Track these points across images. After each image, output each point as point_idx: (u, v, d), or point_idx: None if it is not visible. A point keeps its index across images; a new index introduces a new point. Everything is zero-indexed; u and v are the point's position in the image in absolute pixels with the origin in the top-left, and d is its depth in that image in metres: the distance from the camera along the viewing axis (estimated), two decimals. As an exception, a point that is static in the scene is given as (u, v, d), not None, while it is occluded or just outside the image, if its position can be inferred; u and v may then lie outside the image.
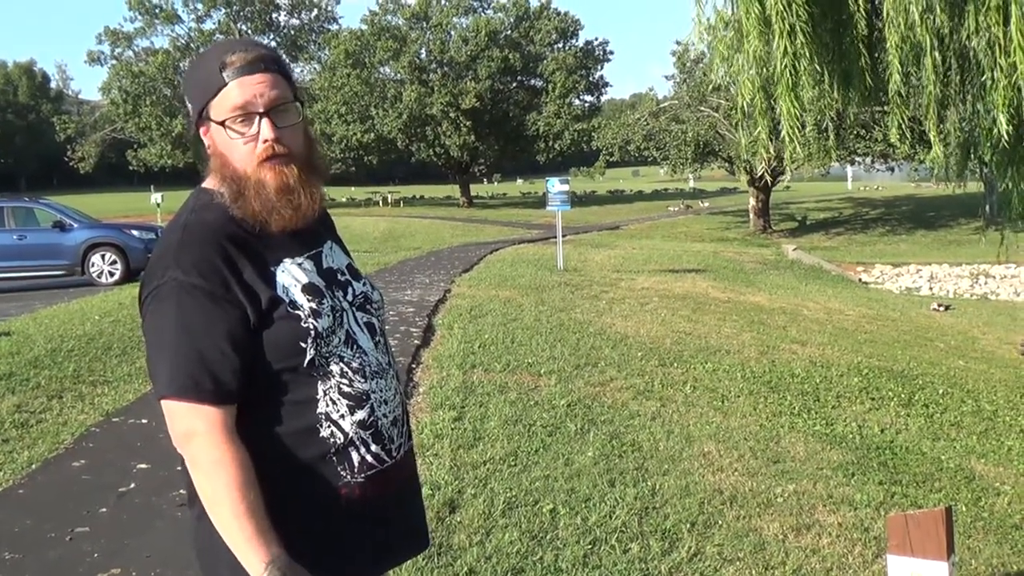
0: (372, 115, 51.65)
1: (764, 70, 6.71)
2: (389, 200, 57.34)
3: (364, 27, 53.18)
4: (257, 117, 1.82)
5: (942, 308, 18.24)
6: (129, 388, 7.68)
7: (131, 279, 17.33)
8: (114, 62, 56.90)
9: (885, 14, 6.20)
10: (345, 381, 1.87)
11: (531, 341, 9.23)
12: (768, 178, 36.39)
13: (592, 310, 11.78)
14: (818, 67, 6.45)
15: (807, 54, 6.32)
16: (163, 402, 1.75)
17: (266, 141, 1.82)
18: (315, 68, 59.78)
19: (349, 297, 1.97)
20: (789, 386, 7.94)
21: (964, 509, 5.18)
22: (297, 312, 1.82)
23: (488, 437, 5.98)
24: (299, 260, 1.90)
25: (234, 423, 1.76)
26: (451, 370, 7.89)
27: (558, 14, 54.96)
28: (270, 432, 1.82)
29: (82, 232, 17.97)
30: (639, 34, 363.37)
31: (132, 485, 5.36)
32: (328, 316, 1.86)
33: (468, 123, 50.87)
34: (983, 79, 6.05)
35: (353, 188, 63.95)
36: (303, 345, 1.81)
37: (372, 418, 1.89)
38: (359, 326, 1.96)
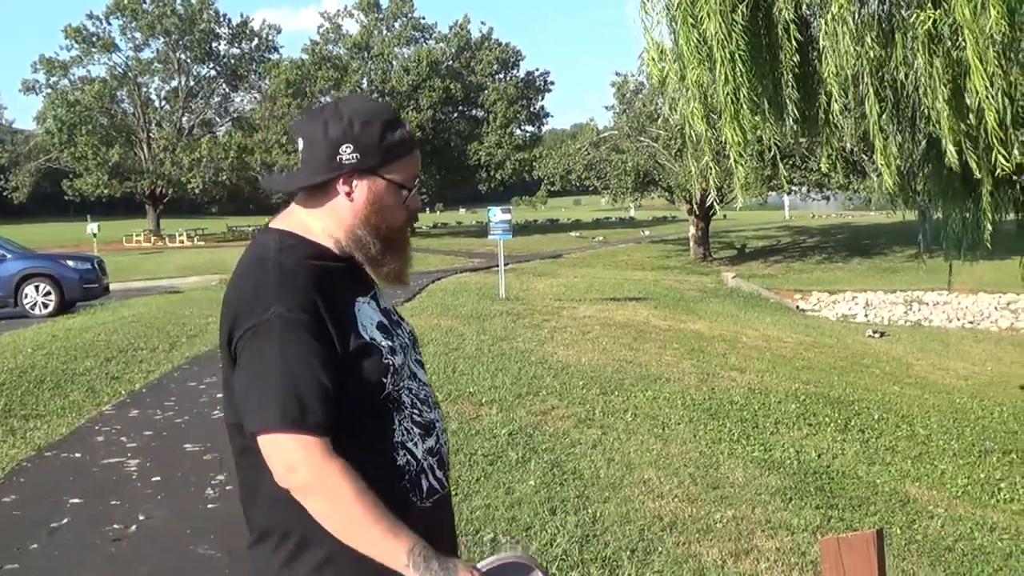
0: (313, 145, 51.44)
1: (707, 98, 6.81)
2: (331, 229, 57.04)
3: (305, 57, 53.16)
4: (410, 190, 2.01)
5: (877, 335, 18.58)
6: (62, 422, 7.52)
7: (65, 311, 16.91)
8: (49, 91, 56.21)
9: (821, 46, 6.33)
10: (416, 411, 1.98)
11: (472, 370, 9.21)
12: (716, 206, 36.99)
13: (534, 339, 11.80)
14: (756, 97, 6.56)
15: (747, 83, 6.42)
16: (267, 436, 1.76)
17: (413, 211, 2.03)
18: (255, 98, 59.52)
19: (404, 336, 2.08)
20: (728, 413, 8.02)
21: (899, 532, 5.27)
22: (379, 348, 1.92)
23: (429, 467, 5.94)
24: (366, 300, 2.00)
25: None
26: (392, 400, 7.83)
27: (499, 44, 55.50)
28: (355, 463, 1.82)
29: (15, 263, 17.53)
30: (579, 65, 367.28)
31: (64, 520, 5.24)
32: (400, 353, 1.98)
33: (410, 153, 50.87)
34: (919, 110, 6.18)
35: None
36: (384, 380, 1.90)
37: (437, 445, 2.01)
38: (414, 362, 2.09)
